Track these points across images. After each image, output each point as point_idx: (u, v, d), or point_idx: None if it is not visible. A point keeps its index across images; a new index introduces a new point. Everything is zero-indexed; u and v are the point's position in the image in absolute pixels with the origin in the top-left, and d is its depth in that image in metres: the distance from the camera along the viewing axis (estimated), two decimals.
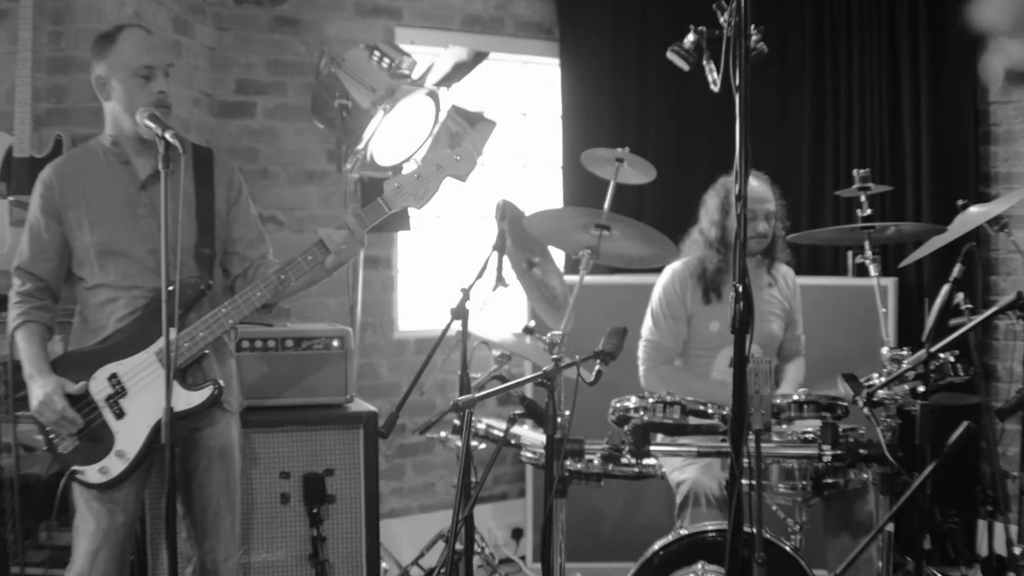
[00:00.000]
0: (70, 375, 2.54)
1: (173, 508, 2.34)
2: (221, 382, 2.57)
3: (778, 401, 2.86)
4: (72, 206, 2.60)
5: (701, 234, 3.49)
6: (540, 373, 2.47)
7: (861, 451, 2.71)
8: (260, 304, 2.57)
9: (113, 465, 2.52)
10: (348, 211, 2.61)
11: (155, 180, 2.53)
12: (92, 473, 2.52)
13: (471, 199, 4.64)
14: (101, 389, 2.53)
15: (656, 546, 2.71)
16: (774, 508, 3.09)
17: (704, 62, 2.49)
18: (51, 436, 2.55)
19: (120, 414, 2.53)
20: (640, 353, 3.44)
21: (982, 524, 3.76)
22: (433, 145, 3.74)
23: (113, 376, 2.53)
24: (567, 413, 2.69)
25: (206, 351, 2.57)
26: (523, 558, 4.43)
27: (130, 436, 2.52)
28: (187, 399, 2.52)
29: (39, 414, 2.50)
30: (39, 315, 2.62)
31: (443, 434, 3.50)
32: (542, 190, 4.80)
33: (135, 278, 2.57)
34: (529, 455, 3.03)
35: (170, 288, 2.30)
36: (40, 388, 2.50)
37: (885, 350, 2.97)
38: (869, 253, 3.12)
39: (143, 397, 2.52)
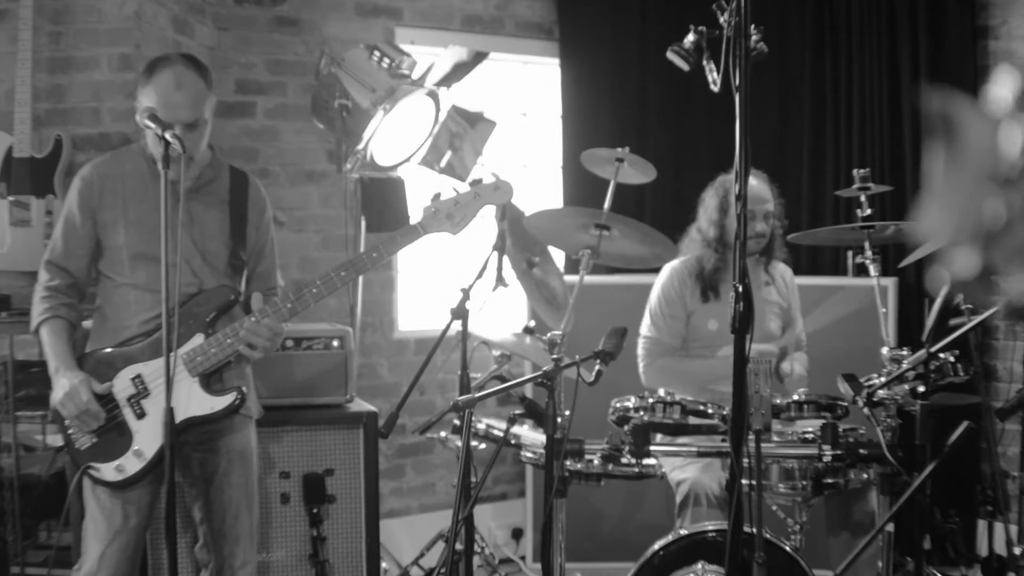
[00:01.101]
0: (95, 373, 2.55)
1: (173, 508, 2.34)
2: (244, 388, 2.59)
3: (778, 401, 2.86)
4: (110, 206, 2.60)
5: (699, 233, 3.49)
6: (540, 373, 2.47)
7: (861, 451, 2.71)
8: (291, 316, 2.58)
9: (130, 464, 2.53)
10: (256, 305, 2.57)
11: (193, 193, 2.57)
12: (108, 471, 2.53)
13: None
14: (124, 388, 2.55)
15: (656, 546, 2.71)
16: (774, 508, 3.09)
17: (704, 62, 2.49)
18: (70, 432, 2.55)
19: (141, 414, 2.54)
20: (639, 350, 3.44)
21: (982, 524, 3.76)
22: (433, 145, 3.75)
23: (137, 376, 2.54)
24: (567, 413, 2.69)
25: (230, 359, 2.59)
26: (523, 558, 4.43)
27: (149, 436, 2.53)
28: (211, 404, 2.54)
29: (62, 406, 2.49)
30: (66, 312, 2.61)
31: (443, 434, 3.50)
32: (542, 190, 4.80)
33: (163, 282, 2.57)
34: (529, 455, 3.03)
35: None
36: (67, 380, 2.49)
37: (885, 350, 2.97)
38: (869, 253, 3.12)
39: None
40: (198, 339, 2.54)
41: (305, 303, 2.55)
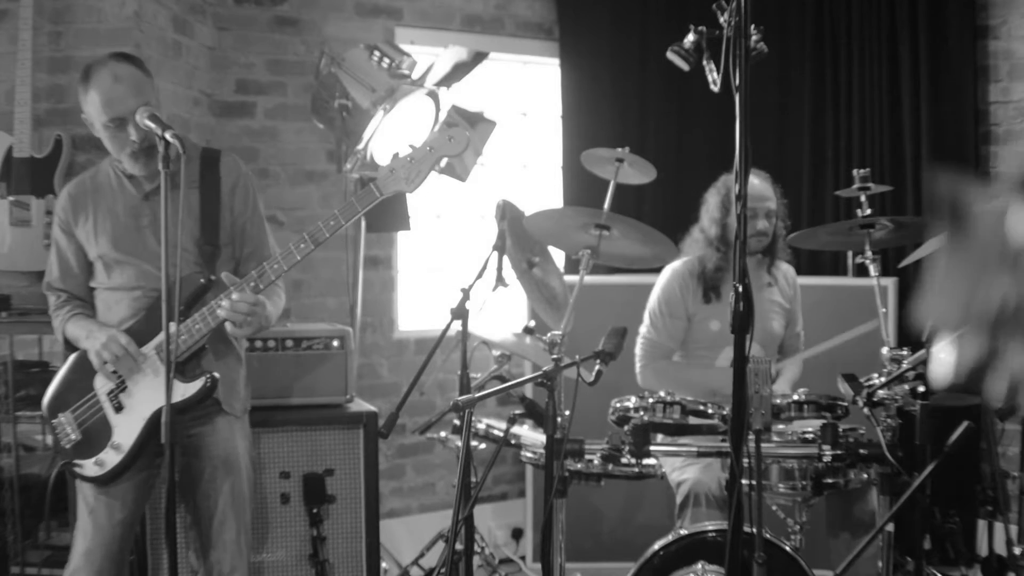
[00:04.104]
0: (84, 372, 2.59)
1: (173, 508, 2.35)
2: (216, 374, 2.57)
3: (778, 401, 2.86)
4: (83, 221, 2.67)
5: (702, 233, 3.49)
6: (540, 373, 2.47)
7: (861, 451, 2.71)
8: (256, 292, 2.53)
9: (109, 458, 2.55)
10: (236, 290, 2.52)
11: (158, 192, 2.55)
12: (89, 466, 2.56)
13: (471, 199, 4.64)
14: (104, 384, 2.58)
15: (656, 546, 2.71)
16: (774, 508, 3.09)
17: (704, 62, 2.49)
18: (56, 431, 2.59)
19: (119, 408, 2.57)
20: (637, 351, 3.44)
21: (982, 524, 3.76)
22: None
23: (115, 371, 2.56)
24: (567, 413, 2.69)
25: (205, 345, 2.58)
26: (523, 558, 4.43)
27: (126, 429, 2.55)
28: (180, 391, 2.52)
29: (105, 347, 2.50)
30: (82, 309, 2.70)
31: (443, 434, 3.50)
32: (542, 190, 4.80)
33: (138, 281, 2.62)
34: (529, 455, 3.03)
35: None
36: (102, 333, 2.54)
37: (885, 350, 2.97)
38: (869, 253, 3.12)
39: (141, 391, 2.55)
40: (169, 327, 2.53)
41: (267, 279, 2.52)
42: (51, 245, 2.75)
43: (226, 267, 2.67)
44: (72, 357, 2.63)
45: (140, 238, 2.63)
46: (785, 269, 3.62)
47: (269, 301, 2.61)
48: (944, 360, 0.67)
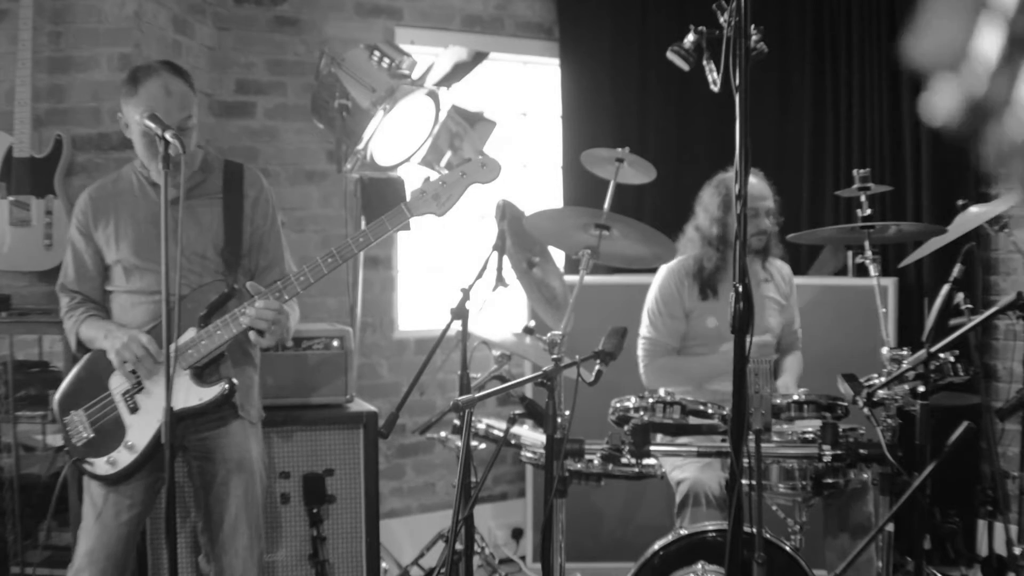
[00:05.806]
0: (98, 371, 2.61)
1: (173, 508, 2.35)
2: (235, 380, 2.59)
3: (778, 401, 2.86)
4: (103, 226, 2.69)
5: (698, 231, 3.49)
6: (540, 373, 2.47)
7: (861, 451, 2.71)
8: (281, 302, 2.57)
9: (122, 457, 2.56)
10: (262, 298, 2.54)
11: (180, 201, 2.58)
12: (101, 465, 2.57)
13: (471, 199, 4.63)
14: (120, 384, 2.59)
15: (656, 546, 2.71)
16: (774, 508, 3.09)
17: (704, 62, 2.49)
18: (67, 429, 2.60)
19: (134, 408, 2.58)
20: (639, 351, 3.44)
21: (982, 524, 3.76)
22: (433, 145, 3.75)
23: (133, 371, 2.58)
24: (567, 413, 2.69)
25: (224, 352, 2.59)
26: (523, 558, 4.43)
27: (140, 430, 2.56)
28: (199, 395, 2.56)
29: (126, 347, 2.52)
30: (96, 311, 2.72)
31: (443, 434, 3.50)
32: (542, 190, 4.80)
33: (158, 286, 2.60)
34: (529, 455, 3.03)
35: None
36: (123, 333, 2.56)
37: (885, 350, 2.97)
38: (869, 253, 3.12)
39: (157, 392, 2.55)
40: (190, 333, 2.56)
41: (293, 290, 2.56)
42: (68, 246, 2.77)
43: (243, 278, 2.69)
44: (87, 356, 2.65)
45: (160, 246, 2.63)
46: (780, 266, 3.62)
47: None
48: (943, 96, 0.65)
